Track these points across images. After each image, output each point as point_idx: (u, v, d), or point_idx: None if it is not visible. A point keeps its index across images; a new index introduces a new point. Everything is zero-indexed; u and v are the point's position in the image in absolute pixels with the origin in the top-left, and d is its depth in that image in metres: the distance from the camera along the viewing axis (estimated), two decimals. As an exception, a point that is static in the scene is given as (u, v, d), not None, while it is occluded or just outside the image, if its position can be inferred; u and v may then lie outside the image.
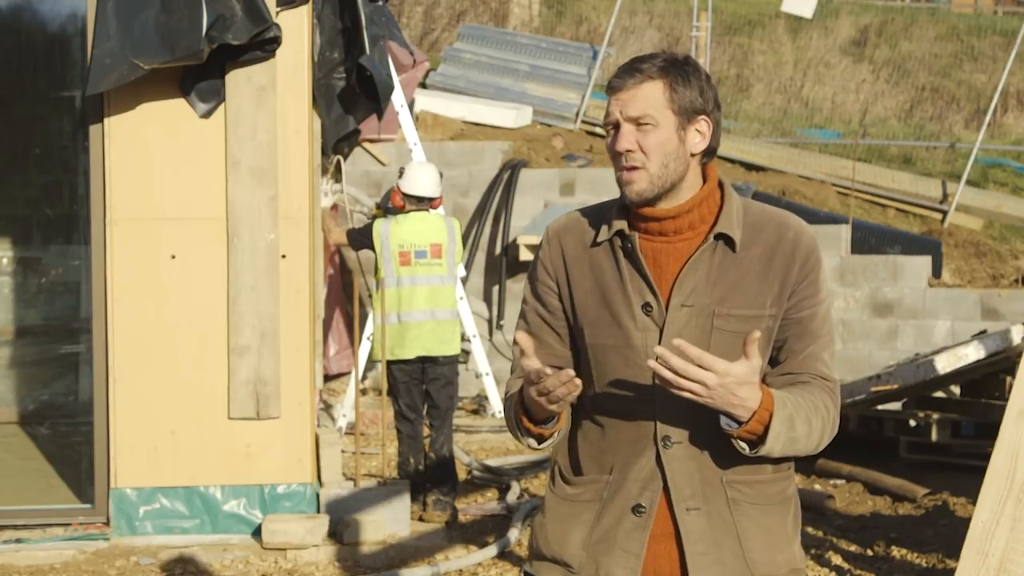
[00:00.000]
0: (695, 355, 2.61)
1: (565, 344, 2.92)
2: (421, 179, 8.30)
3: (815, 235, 2.89)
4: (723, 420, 2.70)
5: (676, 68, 2.79)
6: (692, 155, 2.82)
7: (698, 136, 2.81)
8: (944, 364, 8.96)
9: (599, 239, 2.87)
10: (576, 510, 2.89)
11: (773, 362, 2.85)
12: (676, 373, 2.61)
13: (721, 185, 2.88)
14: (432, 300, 8.19)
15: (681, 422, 2.79)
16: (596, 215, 2.93)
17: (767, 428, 2.68)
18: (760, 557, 2.83)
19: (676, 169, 2.79)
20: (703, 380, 2.61)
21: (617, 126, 2.80)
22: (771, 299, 2.81)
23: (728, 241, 2.82)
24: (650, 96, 2.77)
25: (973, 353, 8.90)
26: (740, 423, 2.68)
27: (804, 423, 2.74)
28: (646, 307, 2.81)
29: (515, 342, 2.85)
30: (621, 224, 2.85)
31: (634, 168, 2.78)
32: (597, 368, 2.86)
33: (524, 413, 2.83)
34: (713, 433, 2.75)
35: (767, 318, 2.81)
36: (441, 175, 8.54)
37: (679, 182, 2.81)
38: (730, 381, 2.62)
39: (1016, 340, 8.73)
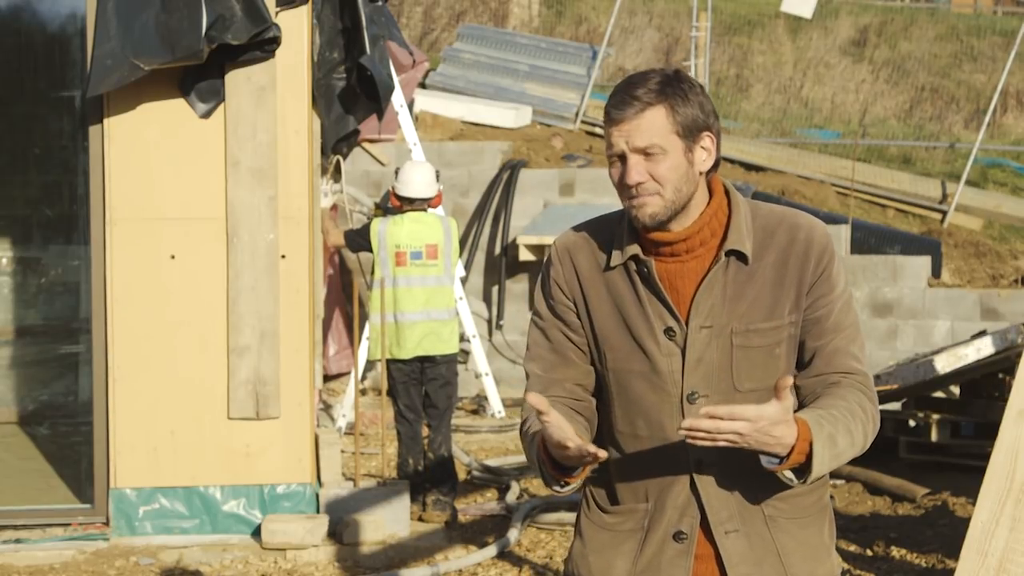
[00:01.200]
0: (725, 413, 2.60)
1: (587, 360, 2.89)
2: (414, 180, 8.29)
3: (827, 230, 2.86)
4: (763, 459, 2.68)
5: (672, 88, 2.74)
6: (700, 173, 2.79)
7: (704, 153, 2.78)
8: (944, 364, 8.95)
9: (612, 263, 2.84)
10: (617, 540, 2.88)
11: (800, 364, 2.83)
12: (709, 432, 2.60)
13: (727, 193, 2.86)
14: (427, 300, 8.19)
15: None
16: (603, 233, 2.89)
17: (809, 456, 2.66)
18: (801, 572, 2.85)
19: (688, 191, 2.77)
20: (736, 430, 2.59)
21: (623, 157, 2.76)
22: (789, 306, 2.80)
23: (740, 255, 2.80)
24: (654, 123, 2.72)
25: (973, 353, 8.89)
26: (781, 459, 2.66)
27: (845, 435, 2.71)
28: (668, 332, 2.80)
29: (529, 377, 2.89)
30: (634, 249, 2.82)
31: (648, 195, 2.75)
32: (621, 393, 2.85)
33: (548, 460, 2.77)
34: (745, 453, 2.73)
35: (788, 326, 2.80)
36: (438, 173, 8.52)
37: (688, 202, 2.78)
38: (764, 424, 2.60)
39: (1016, 340, 8.73)
